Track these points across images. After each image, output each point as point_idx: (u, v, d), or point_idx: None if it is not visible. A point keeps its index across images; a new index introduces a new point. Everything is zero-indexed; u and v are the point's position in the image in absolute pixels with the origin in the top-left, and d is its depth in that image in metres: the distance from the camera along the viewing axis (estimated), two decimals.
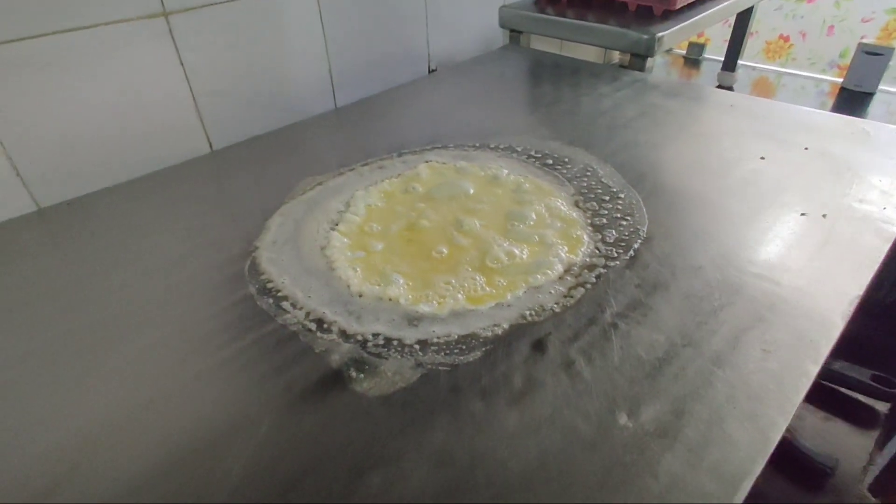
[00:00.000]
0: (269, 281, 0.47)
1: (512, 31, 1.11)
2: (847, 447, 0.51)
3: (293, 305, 0.44)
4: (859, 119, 0.69)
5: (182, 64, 0.68)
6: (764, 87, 1.46)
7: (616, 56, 1.52)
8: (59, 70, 0.58)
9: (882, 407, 0.55)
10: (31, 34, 0.56)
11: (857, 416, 0.54)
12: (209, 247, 0.52)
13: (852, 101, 1.33)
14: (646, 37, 0.90)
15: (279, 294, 0.45)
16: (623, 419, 0.34)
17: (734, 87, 1.41)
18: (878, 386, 0.54)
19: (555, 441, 0.33)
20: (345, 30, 0.83)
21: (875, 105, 1.31)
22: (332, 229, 0.52)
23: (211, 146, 0.74)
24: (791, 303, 0.42)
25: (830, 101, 1.36)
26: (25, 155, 0.58)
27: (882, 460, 0.54)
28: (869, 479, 0.53)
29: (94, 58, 0.60)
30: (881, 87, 1.31)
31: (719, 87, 1.40)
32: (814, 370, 0.37)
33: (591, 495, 0.30)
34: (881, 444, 0.54)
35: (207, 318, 0.43)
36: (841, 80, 1.37)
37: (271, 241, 0.52)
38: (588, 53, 1.41)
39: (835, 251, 0.47)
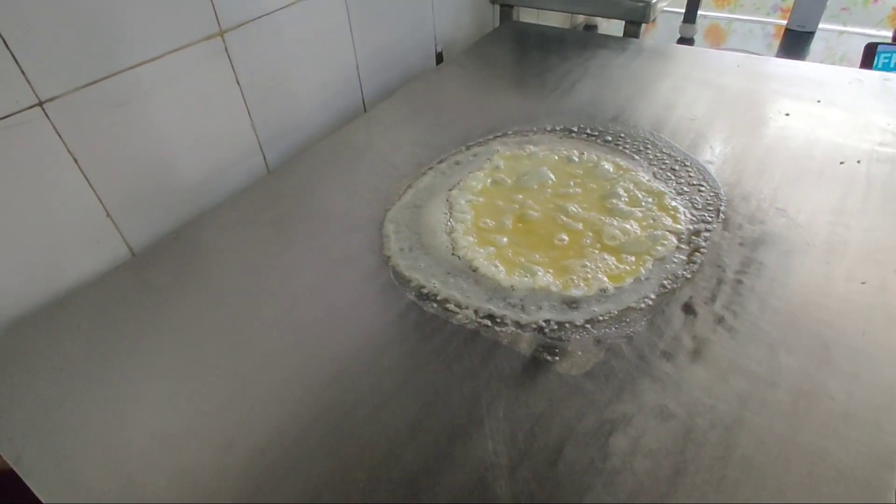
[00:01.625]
0: (422, 287, 0.51)
1: (503, 5, 1.14)
2: None
3: (458, 306, 0.49)
4: (852, 69, 0.79)
5: (238, 83, 0.68)
6: (715, 34, 1.57)
7: (581, 19, 1.58)
8: (136, 105, 0.57)
9: None
10: (106, 74, 0.55)
11: None
12: (342, 264, 0.54)
13: (796, 40, 1.47)
14: (641, 4, 0.97)
15: (438, 297, 0.50)
16: (785, 357, 0.42)
17: (694, 37, 1.51)
18: None
19: (743, 385, 0.40)
20: (367, 18, 0.84)
21: (816, 42, 1.46)
22: (450, 231, 0.57)
23: (267, 165, 0.74)
24: (865, 240, 0.51)
25: (776, 43, 1.49)
26: (112, 196, 0.58)
27: None
28: None
29: (166, 87, 0.59)
30: (820, 25, 1.45)
31: (681, 38, 1.50)
32: None
33: (793, 420, 0.37)
34: None
35: (384, 328, 0.47)
36: (784, 21, 1.51)
37: (399, 249, 0.55)
38: (555, 20, 1.46)
39: (880, 191, 0.57)
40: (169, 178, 0.63)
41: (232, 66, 0.66)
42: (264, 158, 0.75)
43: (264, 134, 0.74)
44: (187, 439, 0.40)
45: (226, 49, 0.65)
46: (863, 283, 0.47)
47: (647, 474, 0.35)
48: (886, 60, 1.15)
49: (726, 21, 1.59)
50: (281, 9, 0.70)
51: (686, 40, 1.49)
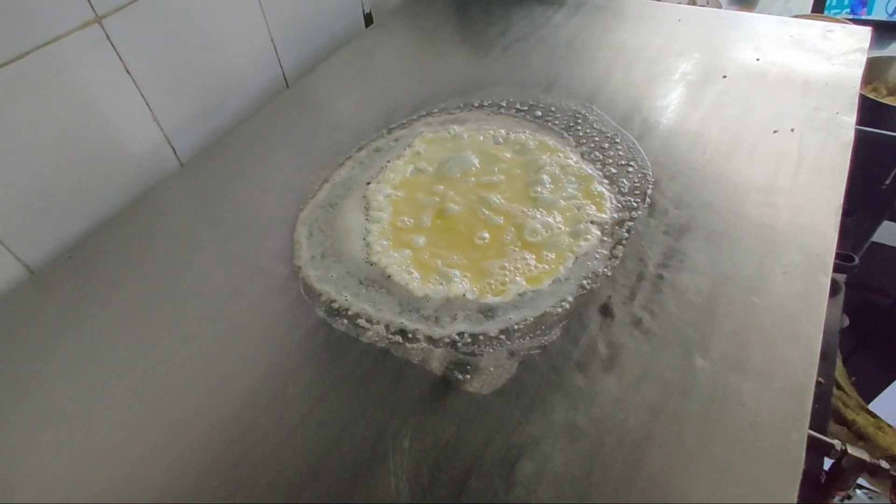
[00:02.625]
0: (333, 301, 0.48)
1: None
2: (826, 318, 0.62)
3: (369, 321, 0.46)
4: (793, 19, 0.75)
5: (128, 72, 0.61)
6: None
7: None
8: (9, 105, 0.51)
9: (841, 279, 0.67)
10: None
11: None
12: (252, 275, 0.51)
13: None
14: None
15: (349, 312, 0.47)
16: (700, 362, 0.41)
17: None
18: (839, 262, 0.65)
19: (655, 395, 0.39)
20: None
21: None
22: (366, 234, 0.53)
23: (179, 159, 0.69)
24: (791, 223, 0.49)
25: None
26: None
27: (846, 321, 0.66)
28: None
29: (37, 88, 0.53)
30: None
31: None
32: (827, 281, 0.45)
33: (702, 431, 0.37)
34: (845, 308, 0.66)
35: (292, 351, 0.45)
36: None
37: (310, 258, 0.52)
38: None
39: (811, 164, 0.55)
40: (58, 187, 0.57)
41: (117, 54, 0.60)
42: (174, 151, 0.69)
43: (170, 124, 0.68)
44: (75, 496, 0.38)
45: (107, 36, 0.58)
46: (784, 271, 0.46)
47: (549, 502, 0.34)
48: None
49: None
50: None
51: None
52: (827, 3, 1.14)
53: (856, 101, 0.61)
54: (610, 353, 0.42)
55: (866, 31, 0.71)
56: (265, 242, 0.54)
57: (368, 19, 0.96)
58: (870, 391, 1.08)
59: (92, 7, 0.56)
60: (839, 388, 0.63)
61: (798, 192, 0.52)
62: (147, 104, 0.64)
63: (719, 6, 1.16)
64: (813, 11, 1.14)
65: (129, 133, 0.63)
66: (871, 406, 1.09)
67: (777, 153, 0.56)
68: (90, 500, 0.37)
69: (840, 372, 0.64)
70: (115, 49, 0.59)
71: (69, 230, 0.59)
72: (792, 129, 0.59)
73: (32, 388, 0.44)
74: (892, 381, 1.04)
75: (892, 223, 0.82)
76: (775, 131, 0.59)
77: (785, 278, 0.45)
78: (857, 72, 0.65)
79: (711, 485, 0.34)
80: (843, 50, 0.69)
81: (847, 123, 0.58)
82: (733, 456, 0.35)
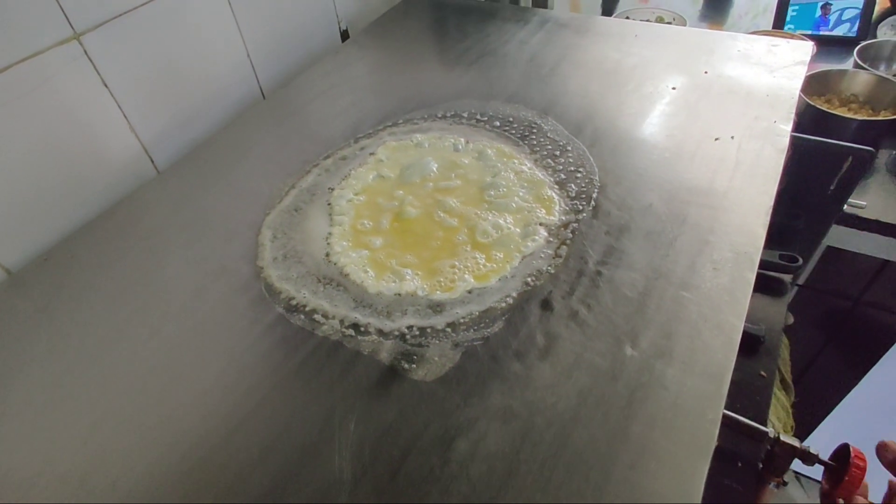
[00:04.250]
0: (292, 298, 0.51)
1: None
2: (769, 314, 0.66)
3: (325, 316, 0.49)
4: (742, 34, 0.80)
5: (106, 85, 0.64)
6: None
7: None
8: None
9: (787, 278, 0.70)
10: None
11: (772, 289, 0.69)
12: (217, 275, 0.54)
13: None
14: None
15: (307, 308, 0.50)
16: (629, 350, 0.43)
17: None
18: (784, 263, 0.68)
19: (585, 380, 0.42)
20: (251, 2, 0.80)
21: None
22: (328, 236, 0.56)
23: (156, 167, 0.72)
24: (724, 223, 0.53)
25: (701, 1, 1.48)
26: None
27: (790, 318, 0.70)
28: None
29: (15, 101, 0.56)
30: None
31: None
32: (752, 276, 0.48)
33: (626, 412, 0.39)
34: (791, 307, 0.69)
35: (252, 344, 0.47)
36: None
37: (272, 259, 0.55)
38: None
39: (746, 169, 0.58)
40: (37, 194, 0.60)
41: (95, 69, 0.63)
42: (151, 161, 0.72)
43: (147, 135, 0.71)
44: (40, 478, 0.40)
45: (85, 52, 0.61)
46: (715, 268, 0.49)
47: (480, 478, 0.37)
48: (794, 13, 1.16)
49: None
50: (145, 4, 0.66)
51: (610, 0, 1.48)
52: (788, 19, 1.19)
53: (793, 110, 0.65)
54: (547, 342, 0.45)
55: (808, 46, 0.75)
56: (231, 245, 0.57)
57: (344, 35, 1.00)
58: (836, 393, 1.11)
59: (70, 24, 0.59)
60: (783, 381, 0.65)
61: (732, 195, 0.56)
62: (125, 116, 0.68)
63: (684, 23, 1.21)
64: (773, 27, 1.19)
65: (106, 143, 0.66)
66: (838, 407, 1.11)
67: (716, 159, 0.60)
68: (53, 481, 0.40)
69: (785, 366, 0.67)
70: (93, 64, 0.63)
71: (47, 234, 0.62)
72: (732, 137, 0.62)
73: (1, 381, 0.47)
74: (858, 381, 1.07)
75: (849, 229, 0.85)
76: (716, 139, 0.63)
77: (714, 274, 0.48)
78: (797, 83, 0.69)
79: (631, 459, 0.37)
80: (786, 63, 0.73)
81: (783, 131, 0.62)
82: (653, 434, 0.38)
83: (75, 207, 0.64)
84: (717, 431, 0.38)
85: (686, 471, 0.36)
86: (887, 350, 0.96)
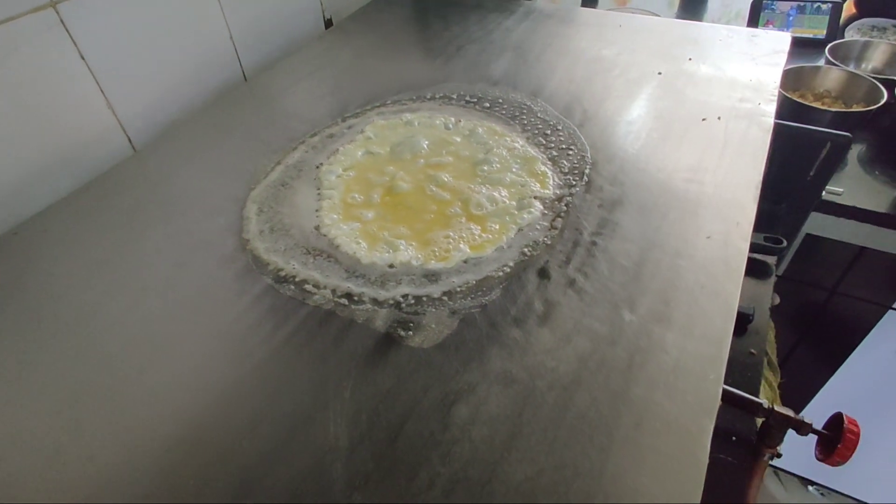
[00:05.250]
0: (280, 269, 0.49)
1: None
2: (756, 295, 0.66)
3: (316, 287, 0.47)
4: (724, 26, 0.81)
5: (83, 58, 0.62)
6: None
7: None
8: None
9: (771, 260, 0.71)
10: None
11: (758, 271, 0.70)
12: (199, 248, 0.52)
13: None
14: None
15: (297, 279, 0.48)
16: (628, 315, 0.43)
17: None
18: (769, 244, 0.69)
19: (585, 345, 0.41)
20: None
21: (712, 0, 1.49)
22: (317, 210, 0.55)
23: (133, 146, 0.69)
24: (716, 197, 0.53)
25: (677, 1, 1.52)
26: None
27: (776, 299, 0.70)
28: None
29: None
30: None
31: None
32: (745, 246, 0.48)
33: (627, 376, 0.39)
34: (776, 287, 0.70)
35: (239, 315, 0.45)
36: None
37: (258, 231, 0.53)
38: None
39: (734, 148, 0.59)
40: (5, 167, 0.57)
41: (72, 39, 0.60)
42: (129, 139, 0.70)
43: (125, 112, 0.68)
44: (9, 447, 0.37)
45: (62, 21, 0.59)
46: (708, 237, 0.49)
47: (483, 441, 0.36)
48: (767, 14, 1.20)
49: None
50: None
51: (590, 0, 1.50)
52: (760, 21, 1.23)
53: (776, 92, 0.66)
54: (545, 309, 0.44)
55: (786, 36, 0.77)
56: (214, 219, 0.55)
57: (328, 24, 0.99)
58: (812, 383, 1.13)
59: None
60: (769, 363, 0.66)
61: (722, 171, 0.56)
62: (102, 91, 0.65)
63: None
64: (748, 26, 1.22)
65: (81, 118, 0.63)
66: (816, 398, 1.13)
67: (704, 138, 0.61)
68: (24, 449, 0.37)
69: (771, 348, 0.68)
70: (69, 34, 0.60)
71: (17, 210, 0.58)
72: (718, 118, 0.63)
73: None
74: (832, 373, 1.09)
75: (828, 216, 0.87)
76: (703, 119, 0.63)
77: (707, 243, 0.49)
78: (778, 69, 0.70)
79: (635, 419, 0.36)
80: (766, 52, 0.75)
81: (768, 112, 0.63)
82: (655, 395, 0.38)
83: (47, 183, 0.61)
84: (720, 391, 0.38)
85: (691, 430, 0.36)
86: (863, 337, 0.98)
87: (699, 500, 0.32)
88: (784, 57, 0.73)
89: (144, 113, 0.71)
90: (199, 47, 0.76)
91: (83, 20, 0.61)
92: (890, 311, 0.94)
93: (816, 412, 1.09)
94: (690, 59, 0.74)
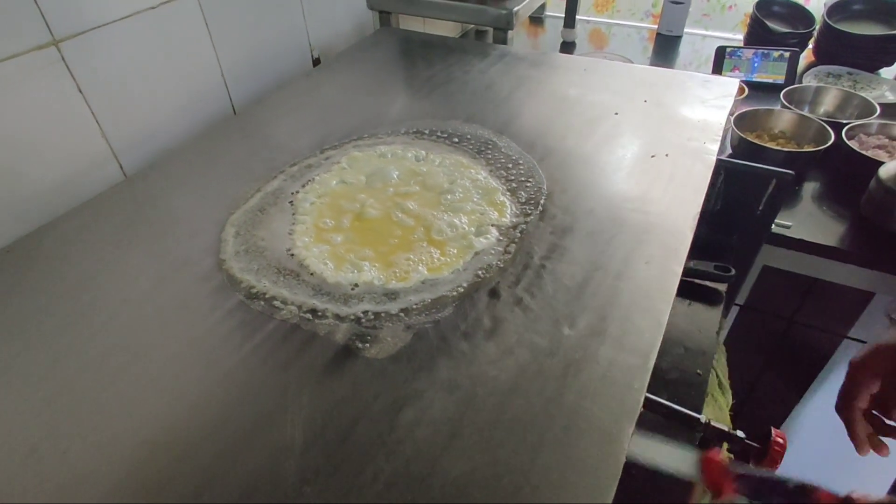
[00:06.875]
0: (252, 287, 0.53)
1: (381, 12, 1.17)
2: (704, 320, 0.71)
3: (284, 303, 0.51)
4: (680, 71, 0.88)
5: (80, 91, 0.67)
6: (598, 38, 1.68)
7: (471, 27, 1.64)
8: None
9: (722, 288, 0.76)
10: None
11: (708, 298, 0.75)
12: (179, 266, 0.56)
13: (666, 44, 1.60)
14: (504, 12, 1.03)
15: (266, 296, 0.52)
16: (567, 330, 0.47)
17: (575, 40, 1.60)
18: (719, 273, 0.74)
19: (525, 356, 0.45)
20: (229, 27, 0.85)
21: (684, 46, 1.59)
22: (290, 233, 0.59)
23: (124, 172, 0.74)
24: (657, 225, 0.58)
25: (651, 45, 1.61)
26: None
27: (727, 323, 0.75)
28: (721, 338, 0.74)
29: None
30: (686, 29, 1.58)
31: (563, 42, 1.59)
32: (678, 269, 0.53)
33: (561, 384, 0.43)
34: (724, 313, 0.75)
35: (212, 328, 0.49)
36: (656, 26, 1.63)
37: (234, 252, 0.57)
38: (449, 27, 1.52)
39: (679, 181, 0.64)
40: (4, 191, 0.61)
41: (72, 74, 0.66)
42: (120, 166, 0.74)
43: (118, 142, 0.73)
44: None
45: (62, 58, 0.64)
46: (646, 262, 0.54)
47: (425, 441, 0.39)
48: (733, 61, 1.28)
49: (606, 25, 1.70)
50: (124, 18, 0.70)
51: (568, 44, 1.59)
52: (725, 66, 1.31)
53: (720, 133, 0.72)
54: (492, 325, 0.48)
55: (735, 82, 0.83)
56: (194, 240, 0.59)
57: (316, 63, 1.06)
58: (781, 410, 1.16)
59: (50, 31, 0.62)
60: (720, 385, 0.70)
61: (666, 202, 0.61)
62: (97, 121, 0.70)
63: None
64: (713, 72, 1.30)
65: (76, 146, 0.68)
66: (783, 425, 1.16)
67: (652, 172, 0.66)
68: (3, 453, 0.40)
69: (722, 370, 0.72)
70: (69, 70, 0.65)
71: (9, 230, 0.62)
72: (666, 155, 0.69)
73: None
74: (798, 399, 1.12)
75: (782, 248, 0.92)
76: (653, 156, 0.69)
77: (646, 267, 0.53)
78: (724, 111, 0.76)
79: (564, 422, 0.40)
80: (716, 95, 0.81)
81: (711, 150, 0.69)
82: (584, 401, 0.41)
83: (41, 205, 0.65)
84: (642, 399, 0.42)
85: (612, 432, 0.39)
86: (823, 365, 1.02)
87: (614, 492, 0.36)
88: (731, 100, 0.80)
89: (136, 142, 0.76)
90: (191, 83, 0.82)
91: (82, 57, 0.66)
92: (845, 339, 0.98)
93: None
94: (646, 101, 0.81)
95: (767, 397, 1.16)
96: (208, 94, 0.85)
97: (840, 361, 0.99)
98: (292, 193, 0.65)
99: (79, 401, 0.43)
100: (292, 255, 0.56)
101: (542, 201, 0.62)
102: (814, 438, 1.04)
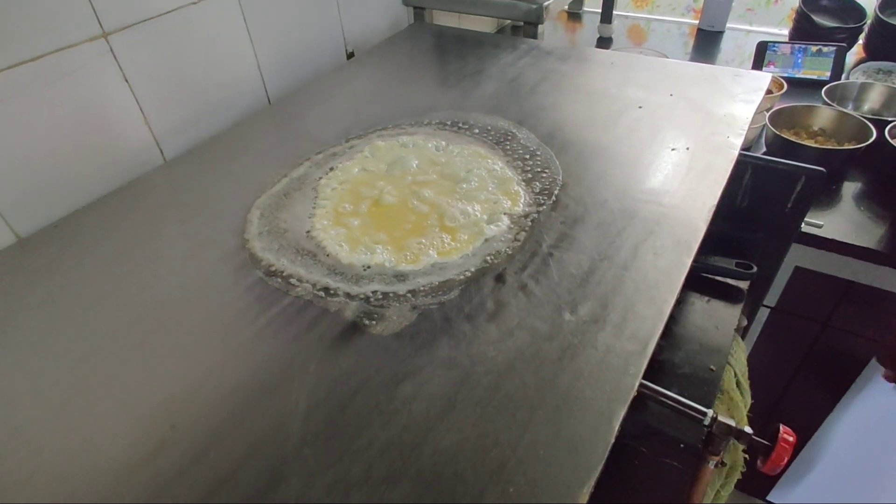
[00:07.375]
0: (272, 265, 0.56)
1: (416, 7, 1.20)
2: (723, 316, 0.70)
3: (299, 280, 0.54)
4: (710, 65, 0.87)
5: (127, 81, 0.72)
6: (637, 34, 1.65)
7: (507, 21, 1.64)
8: (13, 104, 0.61)
9: (744, 285, 0.75)
10: None
11: (729, 295, 0.73)
12: (206, 245, 0.59)
13: (708, 39, 1.55)
14: (534, 6, 1.03)
15: (284, 274, 0.55)
16: (567, 316, 0.48)
17: (612, 36, 1.58)
18: (741, 270, 0.73)
19: (524, 339, 0.46)
20: (266, 23, 0.89)
21: (726, 41, 1.54)
22: (311, 216, 0.62)
23: (164, 157, 0.79)
24: (670, 217, 0.58)
25: (691, 41, 1.57)
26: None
27: (755, 325, 0.73)
28: (742, 336, 0.72)
29: (45, 87, 0.64)
30: (729, 25, 1.54)
31: (600, 38, 1.58)
32: (688, 262, 0.53)
33: (556, 366, 0.43)
34: (746, 312, 0.73)
35: (231, 302, 0.52)
36: (697, 21, 1.59)
37: (257, 233, 0.60)
38: (485, 23, 1.53)
39: (696, 174, 0.64)
40: (53, 172, 0.67)
41: (119, 65, 0.71)
42: (161, 152, 0.79)
43: (160, 129, 0.78)
44: (26, 399, 0.44)
45: (111, 50, 0.69)
46: (655, 253, 0.54)
47: (420, 413, 0.41)
48: (772, 56, 1.24)
49: (646, 21, 1.67)
50: (169, 12, 0.74)
51: (604, 39, 1.57)
52: (766, 61, 1.27)
53: (745, 127, 0.70)
54: (496, 308, 0.49)
55: (767, 76, 0.81)
56: (222, 220, 0.63)
57: (350, 56, 1.09)
58: (816, 415, 1.12)
59: (100, 24, 0.67)
60: (739, 384, 0.69)
61: (681, 194, 0.61)
62: (141, 110, 0.75)
63: None
64: (752, 68, 1.26)
65: (122, 133, 0.73)
66: (816, 434, 1.12)
67: (671, 165, 0.65)
68: (40, 409, 0.44)
69: (740, 367, 0.70)
70: (117, 61, 0.70)
71: (58, 208, 0.68)
72: (687, 148, 0.68)
73: (4, 323, 0.52)
74: (832, 407, 1.08)
75: (817, 250, 0.89)
76: (673, 149, 0.68)
77: (654, 258, 0.53)
78: (752, 106, 0.75)
79: (556, 402, 0.41)
80: (745, 90, 0.79)
81: (735, 145, 0.68)
82: (578, 383, 0.42)
83: (87, 186, 0.70)
84: (636, 384, 0.42)
85: (604, 413, 0.40)
86: (859, 372, 0.98)
87: (600, 470, 0.37)
88: (761, 94, 0.78)
89: (177, 130, 0.80)
90: (229, 75, 0.86)
91: (129, 49, 0.71)
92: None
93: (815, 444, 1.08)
94: (672, 95, 0.80)
95: (799, 404, 1.12)
96: (245, 86, 0.90)
97: (876, 368, 0.94)
98: (317, 179, 0.68)
99: (108, 361, 0.47)
100: (311, 236, 0.59)
101: (556, 192, 0.63)
102: (847, 447, 1.00)
